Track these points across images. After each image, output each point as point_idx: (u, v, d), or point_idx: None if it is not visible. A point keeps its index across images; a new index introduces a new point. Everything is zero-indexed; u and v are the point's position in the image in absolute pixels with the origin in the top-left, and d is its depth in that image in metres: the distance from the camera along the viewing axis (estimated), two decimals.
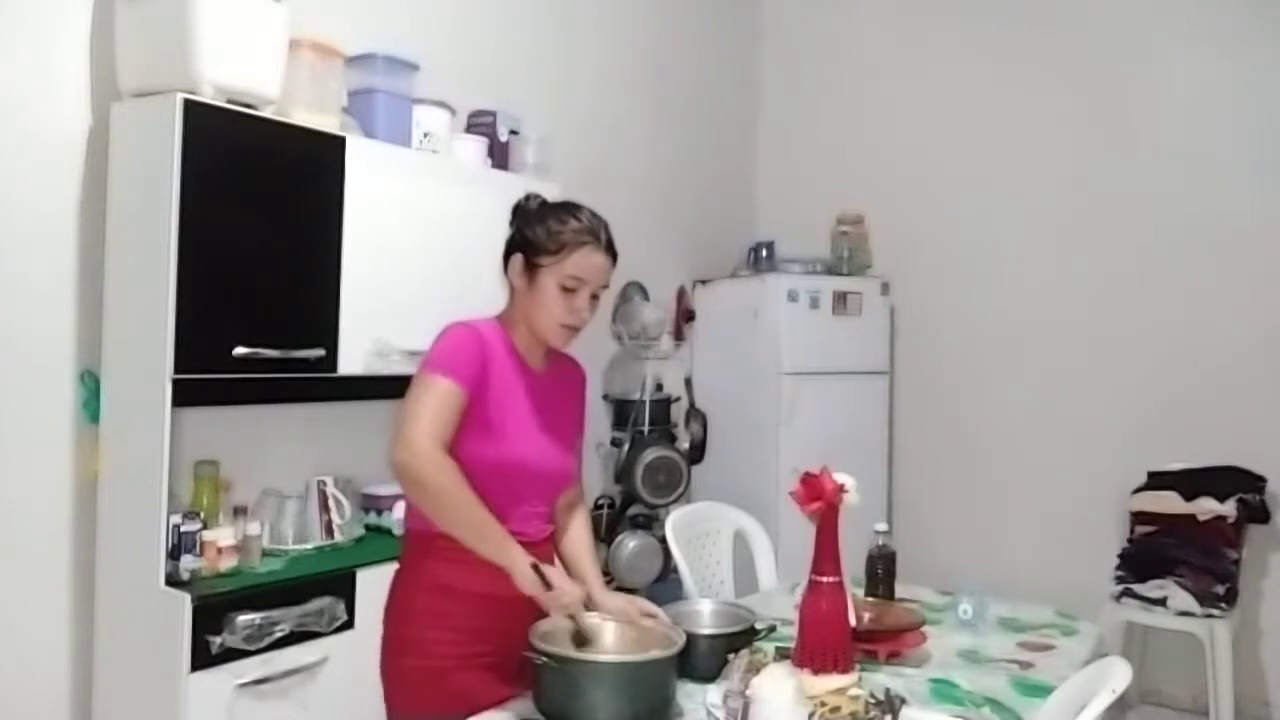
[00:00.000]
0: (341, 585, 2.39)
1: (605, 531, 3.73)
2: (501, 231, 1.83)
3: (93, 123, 2.36)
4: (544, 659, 1.54)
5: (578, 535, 1.94)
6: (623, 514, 3.84)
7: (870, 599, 2.26)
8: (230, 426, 2.56)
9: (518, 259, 1.77)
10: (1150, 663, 3.77)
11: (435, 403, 1.64)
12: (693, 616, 1.93)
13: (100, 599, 2.33)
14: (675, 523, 2.81)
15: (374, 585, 2.38)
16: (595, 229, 1.77)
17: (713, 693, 1.62)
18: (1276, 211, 3.69)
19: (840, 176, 4.59)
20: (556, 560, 1.86)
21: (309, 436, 2.78)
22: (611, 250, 1.80)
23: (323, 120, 2.50)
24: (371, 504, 2.82)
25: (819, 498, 1.79)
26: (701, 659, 1.73)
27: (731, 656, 1.62)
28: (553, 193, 1.86)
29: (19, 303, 2.25)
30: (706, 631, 1.84)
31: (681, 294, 4.31)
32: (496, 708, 1.64)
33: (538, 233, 1.75)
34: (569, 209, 1.80)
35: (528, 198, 1.84)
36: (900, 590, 2.40)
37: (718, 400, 4.17)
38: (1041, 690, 1.83)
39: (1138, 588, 3.43)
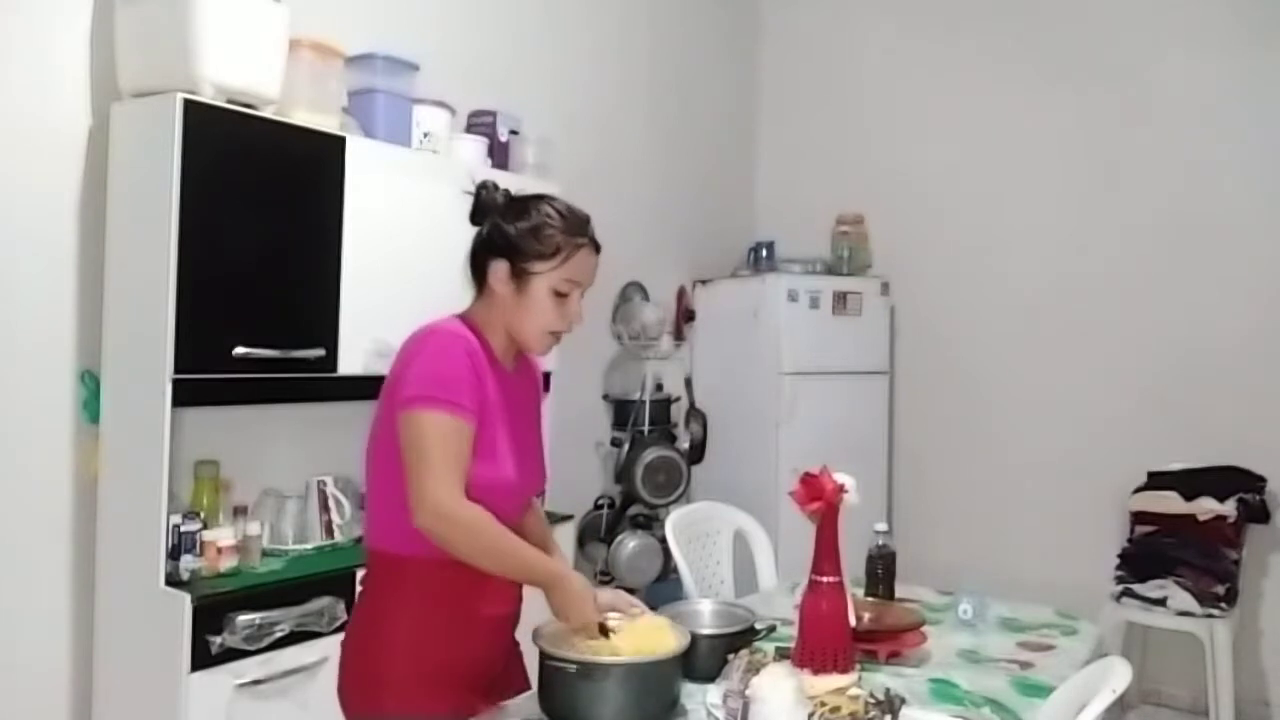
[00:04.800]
0: (341, 585, 2.39)
1: (605, 531, 3.73)
2: None
3: (93, 123, 2.36)
4: (561, 663, 1.53)
5: (538, 529, 1.84)
6: (623, 514, 3.84)
7: (870, 599, 2.26)
8: (230, 426, 2.55)
9: (502, 265, 1.63)
10: (1150, 663, 3.77)
11: (447, 447, 1.51)
12: (693, 616, 1.93)
13: (100, 599, 2.33)
14: (675, 523, 2.81)
15: None
16: (584, 227, 1.66)
17: (713, 693, 1.62)
18: (1276, 212, 3.69)
19: (840, 176, 4.59)
20: None
21: (309, 436, 2.77)
22: (599, 246, 1.69)
23: (323, 120, 2.50)
24: None
25: (819, 498, 1.79)
26: (701, 659, 1.73)
27: (731, 656, 1.62)
28: (553, 192, 1.83)
29: (19, 303, 2.25)
30: (706, 631, 1.84)
31: (681, 294, 4.31)
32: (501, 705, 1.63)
33: (523, 233, 1.62)
34: (548, 202, 1.67)
35: (486, 188, 1.69)
36: (900, 590, 2.40)
37: (718, 400, 4.17)
38: (1041, 690, 1.83)
39: (1138, 588, 3.43)
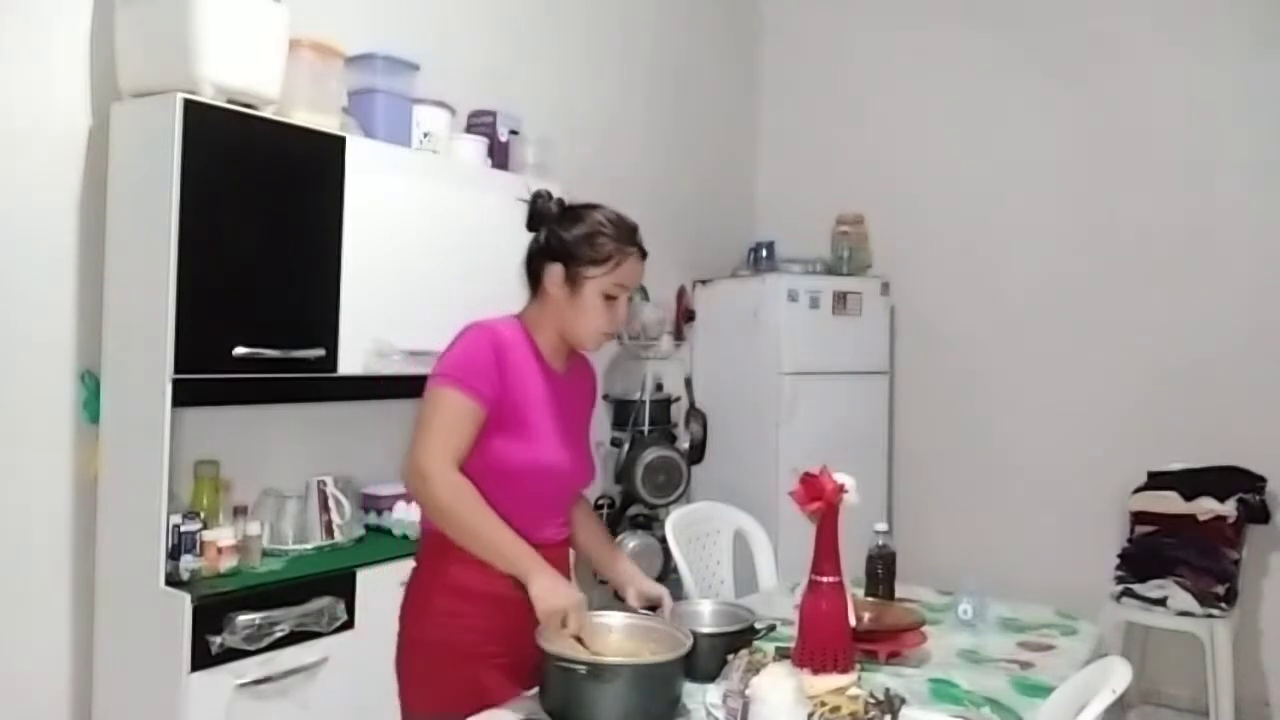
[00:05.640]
0: (341, 585, 2.39)
1: None
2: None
3: (93, 123, 2.36)
4: (566, 663, 1.53)
5: (599, 531, 1.98)
6: (623, 514, 3.84)
7: (870, 599, 2.26)
8: (230, 426, 2.56)
9: (557, 269, 1.74)
10: (1150, 663, 3.77)
11: (446, 419, 1.64)
12: (693, 617, 1.93)
13: (100, 599, 2.33)
14: (675, 523, 2.81)
15: (374, 585, 2.40)
16: (634, 235, 1.77)
17: (713, 693, 1.62)
18: (1275, 212, 3.69)
19: (840, 176, 4.59)
20: (573, 559, 1.91)
21: (309, 436, 2.78)
22: (645, 254, 1.81)
23: (323, 120, 2.50)
24: (371, 504, 2.82)
25: (819, 498, 1.79)
26: (702, 659, 1.73)
27: (731, 656, 1.62)
28: (553, 192, 1.85)
29: (19, 303, 2.25)
30: (706, 631, 1.84)
31: (681, 294, 4.31)
32: (503, 705, 1.64)
33: (578, 240, 1.73)
34: (597, 211, 1.77)
35: (541, 196, 1.80)
36: (900, 590, 2.40)
37: (718, 400, 4.17)
38: (1041, 690, 1.83)
39: (1138, 588, 3.43)
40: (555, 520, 1.81)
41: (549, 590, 1.59)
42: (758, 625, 1.91)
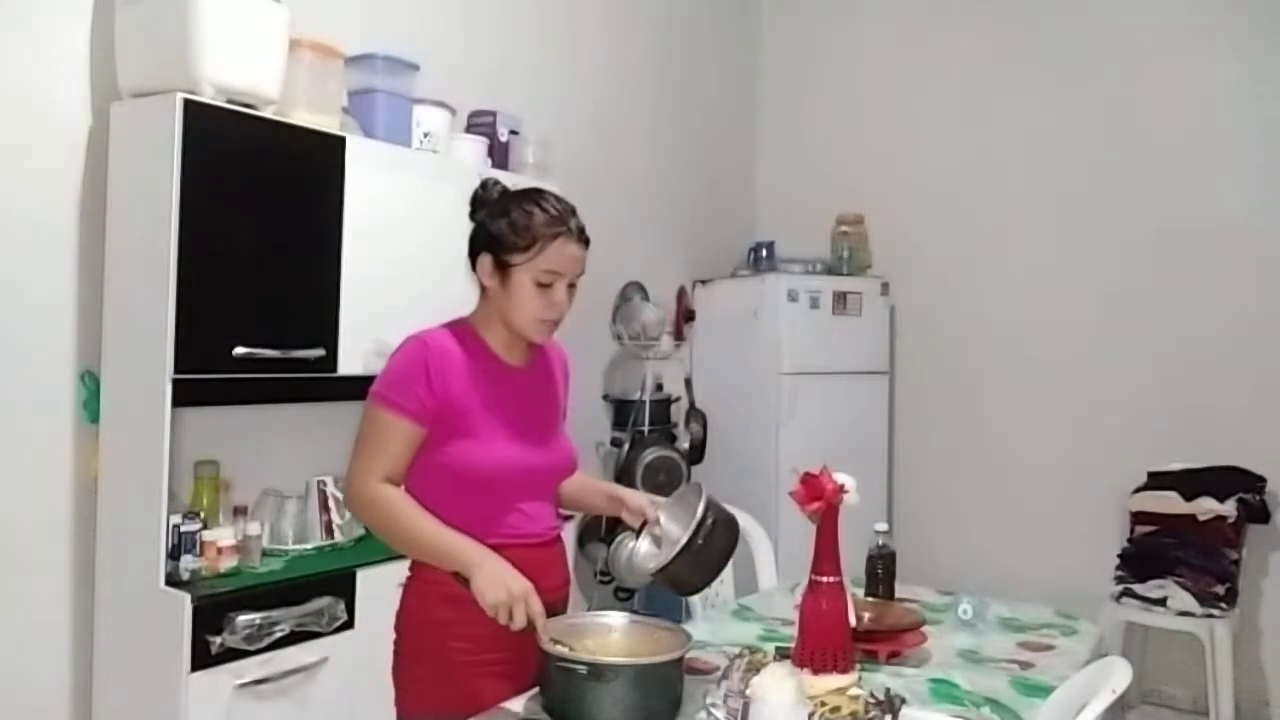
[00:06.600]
0: (341, 585, 2.39)
1: (605, 531, 3.72)
2: None
3: (93, 123, 2.36)
4: (566, 663, 1.53)
5: (579, 477, 1.93)
6: None
7: (870, 599, 2.26)
8: (230, 426, 2.56)
9: (486, 259, 1.70)
10: (1150, 663, 3.77)
11: (374, 439, 1.67)
12: (668, 535, 1.84)
13: (100, 599, 2.33)
14: None
15: (374, 585, 2.40)
16: (564, 217, 1.69)
17: (713, 693, 1.62)
18: (1276, 213, 3.69)
19: (840, 176, 4.59)
20: (564, 536, 1.90)
21: (309, 436, 2.77)
22: (584, 237, 1.72)
23: (323, 120, 2.50)
24: None
25: (819, 498, 1.79)
26: (693, 571, 1.79)
27: (733, 656, 1.62)
28: (550, 188, 1.84)
29: (19, 303, 2.25)
30: (684, 540, 1.77)
31: (681, 294, 4.31)
32: (504, 705, 1.63)
33: (504, 228, 1.67)
34: (532, 197, 1.71)
35: (485, 185, 1.76)
36: (900, 590, 2.40)
37: (718, 400, 4.17)
38: (1041, 690, 1.83)
39: (1138, 588, 3.43)
40: (541, 516, 1.77)
41: (491, 583, 1.55)
42: (703, 501, 1.81)
